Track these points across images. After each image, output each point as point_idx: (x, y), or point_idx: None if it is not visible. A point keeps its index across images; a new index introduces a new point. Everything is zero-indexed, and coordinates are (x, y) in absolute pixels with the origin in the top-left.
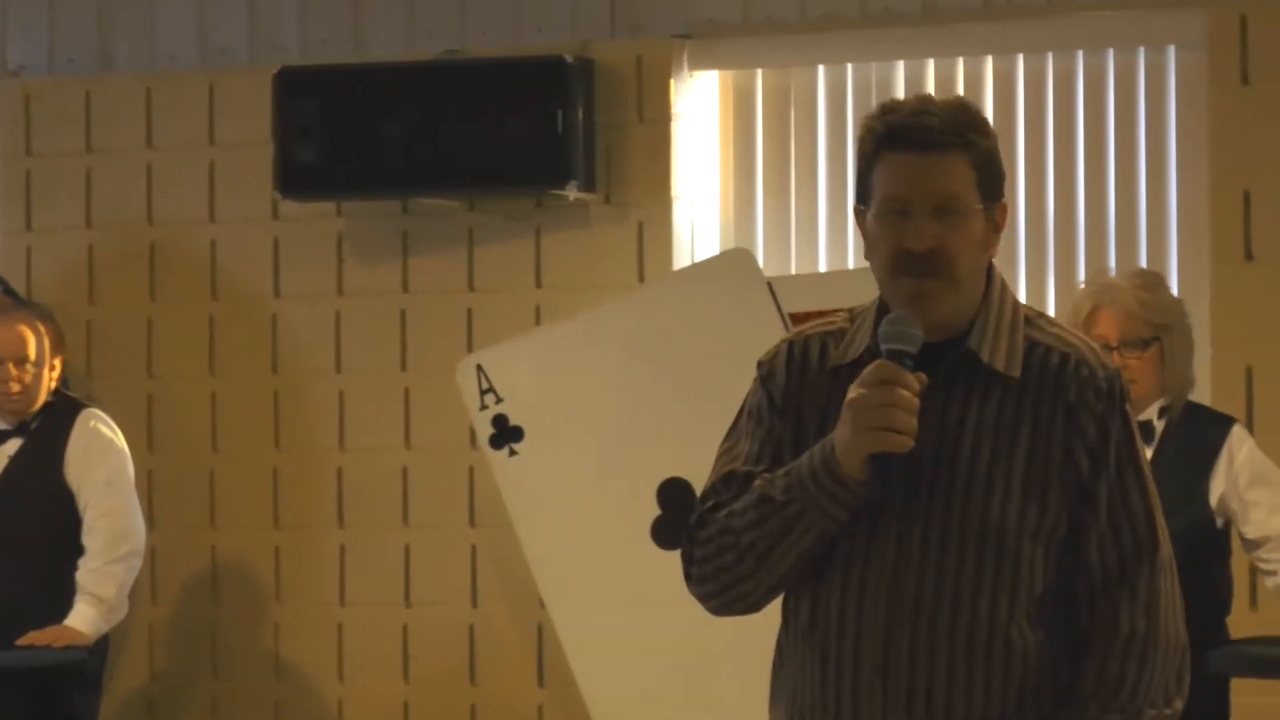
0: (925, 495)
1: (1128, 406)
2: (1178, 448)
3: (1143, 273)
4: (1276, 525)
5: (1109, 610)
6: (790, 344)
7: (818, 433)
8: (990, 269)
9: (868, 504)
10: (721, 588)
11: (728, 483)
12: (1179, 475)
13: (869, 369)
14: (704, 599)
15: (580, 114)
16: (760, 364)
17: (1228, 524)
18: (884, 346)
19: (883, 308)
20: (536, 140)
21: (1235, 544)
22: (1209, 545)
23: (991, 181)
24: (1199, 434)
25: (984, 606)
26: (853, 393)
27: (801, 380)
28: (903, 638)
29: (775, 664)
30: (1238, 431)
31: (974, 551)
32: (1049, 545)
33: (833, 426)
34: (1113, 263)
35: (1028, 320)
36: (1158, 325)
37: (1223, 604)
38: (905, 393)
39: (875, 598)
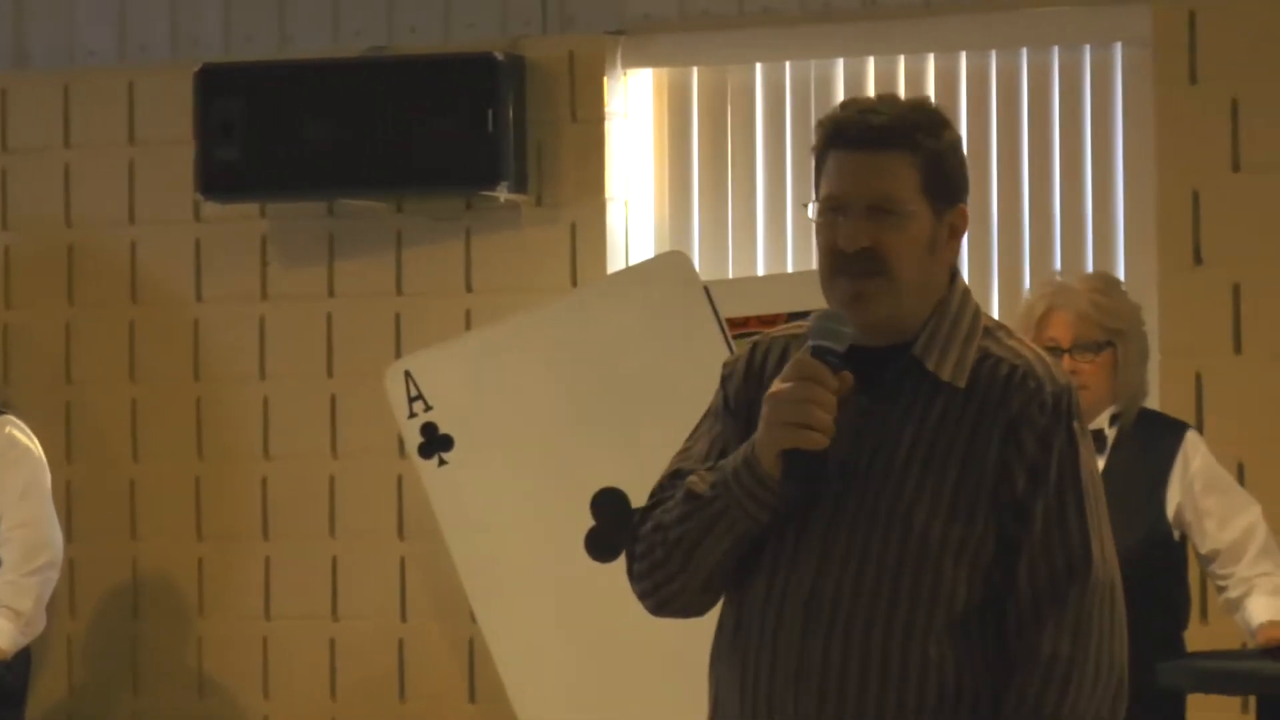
0: (854, 502)
1: (1076, 424)
2: (1131, 457)
3: (1099, 275)
4: (1226, 538)
5: (1035, 631)
6: (755, 345)
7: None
8: (955, 277)
9: (792, 506)
10: (654, 585)
11: (674, 480)
12: (1133, 486)
13: (789, 364)
14: (641, 597)
15: (511, 113)
16: (725, 364)
17: (1184, 537)
18: (810, 342)
19: None
20: (466, 140)
21: (1192, 557)
22: (1166, 558)
23: (943, 184)
24: (1152, 442)
25: (899, 619)
26: (774, 388)
27: (759, 382)
28: (817, 646)
29: (710, 671)
30: (1192, 437)
31: (893, 563)
32: (974, 562)
33: None
34: (1058, 265)
35: (987, 331)
36: (1111, 330)
37: (1178, 619)
38: (822, 389)
39: (794, 605)
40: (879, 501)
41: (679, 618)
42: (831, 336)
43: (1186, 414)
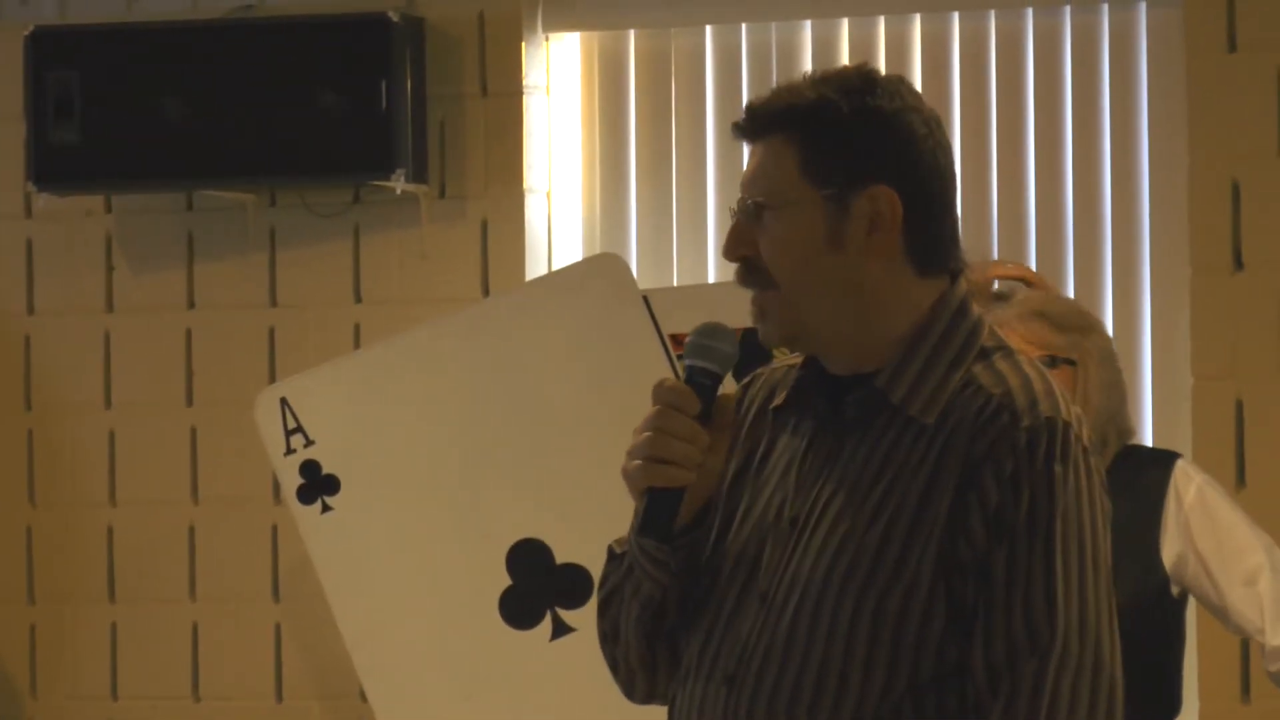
0: (797, 561)
1: (1059, 467)
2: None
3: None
4: (1233, 595)
5: (987, 713)
6: (748, 383)
7: (735, 480)
8: (954, 286)
9: (697, 563)
10: (610, 665)
11: None
12: (1117, 535)
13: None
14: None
15: (409, 86)
16: None
17: (1184, 594)
18: (685, 362)
19: None
20: (354, 119)
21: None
22: (1160, 620)
23: (831, 162)
24: (1134, 479)
25: (826, 703)
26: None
27: (744, 421)
28: None
29: None
30: (1182, 468)
31: (823, 635)
32: (921, 634)
33: (754, 472)
34: (1070, 269)
35: (983, 352)
36: (1071, 334)
37: (1170, 705)
38: (680, 417)
39: (719, 682)
40: (819, 561)
41: (656, 704)
42: (705, 355)
43: (1225, 452)
